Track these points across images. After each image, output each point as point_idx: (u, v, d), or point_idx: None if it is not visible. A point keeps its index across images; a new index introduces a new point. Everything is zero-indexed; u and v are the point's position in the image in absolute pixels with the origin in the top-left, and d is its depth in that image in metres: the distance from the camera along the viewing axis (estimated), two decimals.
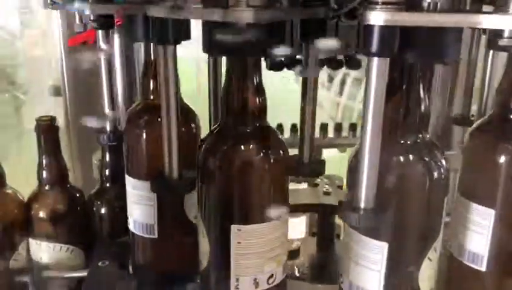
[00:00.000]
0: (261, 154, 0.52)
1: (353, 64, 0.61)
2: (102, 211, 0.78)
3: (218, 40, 0.46)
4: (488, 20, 0.40)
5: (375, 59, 0.42)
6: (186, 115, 0.63)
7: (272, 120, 0.56)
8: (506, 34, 0.41)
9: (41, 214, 0.74)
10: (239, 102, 0.52)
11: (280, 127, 0.94)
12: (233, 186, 0.52)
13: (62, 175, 0.75)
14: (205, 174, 0.53)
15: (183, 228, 0.61)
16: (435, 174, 0.50)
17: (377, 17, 0.41)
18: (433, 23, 0.41)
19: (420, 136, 0.50)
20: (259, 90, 0.52)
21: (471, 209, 0.56)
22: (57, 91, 1.16)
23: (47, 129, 0.72)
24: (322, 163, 0.61)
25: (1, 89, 2.25)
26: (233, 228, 0.52)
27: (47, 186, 0.74)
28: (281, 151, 0.54)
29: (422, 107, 0.49)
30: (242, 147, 0.52)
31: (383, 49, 0.42)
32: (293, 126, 0.97)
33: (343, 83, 2.52)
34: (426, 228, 0.52)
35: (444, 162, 0.51)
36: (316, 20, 0.52)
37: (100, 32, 0.61)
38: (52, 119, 0.73)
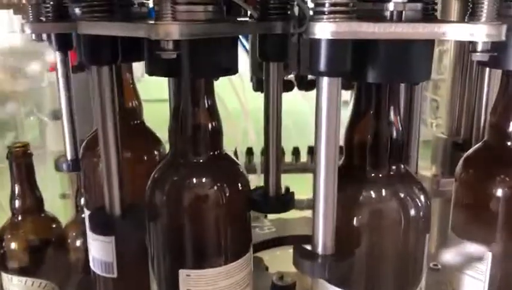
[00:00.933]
0: (213, 187, 0.46)
1: (304, 85, 0.55)
2: (77, 243, 0.73)
3: (154, 59, 0.41)
4: (453, 31, 0.33)
5: (325, 79, 0.36)
6: (149, 142, 0.57)
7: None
8: (479, 47, 0.34)
9: (13, 246, 0.70)
10: (186, 128, 0.45)
11: (250, 150, 0.85)
12: (181, 225, 0.46)
13: (36, 204, 0.71)
14: (151, 210, 0.47)
15: (144, 267, 0.55)
16: (411, 212, 0.42)
17: (322, 30, 0.34)
18: (387, 35, 0.34)
19: (393, 167, 0.43)
20: (211, 114, 0.46)
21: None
22: (55, 115, 1.14)
23: (20, 156, 0.69)
24: (291, 195, 0.52)
25: (28, 112, 2.27)
26: (182, 273, 0.46)
27: (20, 216, 0.70)
28: (239, 184, 0.47)
29: (394, 134, 0.42)
30: (190, 179, 0.46)
31: (331, 68, 0.35)
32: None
33: None
34: (403, 276, 0.44)
35: (422, 197, 0.43)
36: (275, 36, 0.45)
37: (58, 55, 0.56)
38: (25, 145, 0.70)
